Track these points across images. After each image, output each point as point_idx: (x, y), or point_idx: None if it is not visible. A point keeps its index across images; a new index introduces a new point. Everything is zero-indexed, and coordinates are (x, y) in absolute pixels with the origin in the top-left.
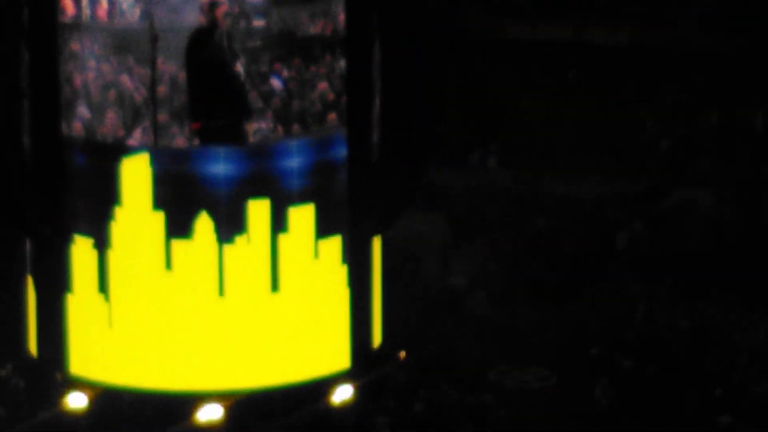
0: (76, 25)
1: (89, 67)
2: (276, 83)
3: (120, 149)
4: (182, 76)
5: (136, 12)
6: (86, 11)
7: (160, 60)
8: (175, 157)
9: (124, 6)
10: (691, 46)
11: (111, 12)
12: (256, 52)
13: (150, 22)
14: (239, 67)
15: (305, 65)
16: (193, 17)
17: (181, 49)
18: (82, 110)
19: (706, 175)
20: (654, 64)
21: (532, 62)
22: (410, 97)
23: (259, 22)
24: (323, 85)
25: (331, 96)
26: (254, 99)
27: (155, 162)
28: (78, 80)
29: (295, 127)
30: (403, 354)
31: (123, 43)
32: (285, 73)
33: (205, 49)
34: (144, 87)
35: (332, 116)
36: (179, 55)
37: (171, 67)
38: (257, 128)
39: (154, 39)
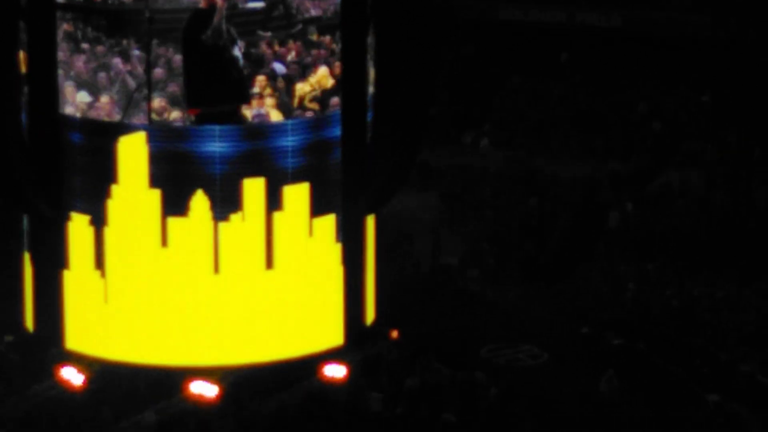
0: (70, 5)
1: (83, 48)
2: (277, 68)
3: (117, 128)
4: (178, 59)
5: None
6: None
7: (155, 42)
8: (172, 136)
9: None
10: (683, 29)
11: None
12: (255, 35)
13: (145, 2)
14: (237, 52)
15: (306, 49)
16: None
17: (179, 31)
18: (76, 91)
19: (697, 156)
20: (646, 46)
21: (525, 44)
22: (403, 78)
23: (258, 4)
24: (324, 69)
25: (331, 82)
26: (253, 84)
27: (152, 140)
28: (71, 61)
29: (297, 113)
30: (395, 331)
31: (117, 24)
32: (285, 57)
33: (203, 32)
34: (139, 69)
35: (335, 101)
36: (176, 38)
37: (167, 49)
38: (257, 113)
39: (150, 20)
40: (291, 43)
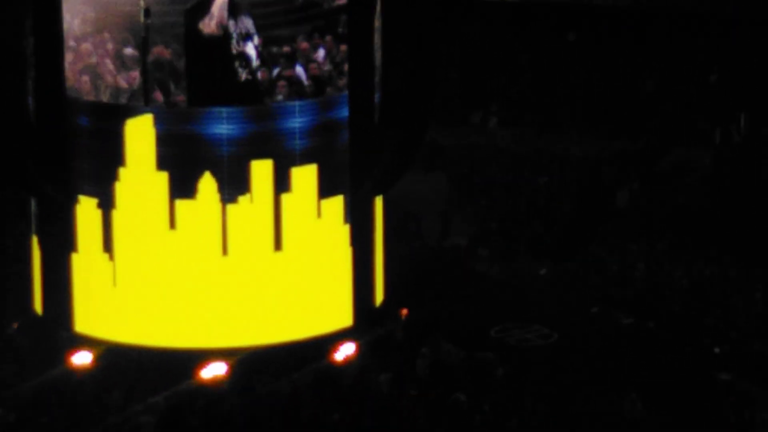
0: None
1: (70, 46)
2: (298, 71)
3: (124, 110)
4: (182, 63)
5: None
6: None
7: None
8: (179, 118)
9: None
10: (690, 7)
11: None
12: (274, 29)
13: None
14: (252, 50)
15: (336, 44)
16: None
17: (179, 27)
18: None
19: (705, 134)
20: (653, 24)
21: (532, 23)
22: (410, 59)
23: None
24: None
25: None
26: (275, 89)
27: (159, 123)
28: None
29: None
30: (404, 312)
31: (109, 17)
32: (316, 53)
33: (210, 29)
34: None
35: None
36: (177, 36)
37: (165, 49)
38: None
39: (146, 13)
40: (319, 38)
